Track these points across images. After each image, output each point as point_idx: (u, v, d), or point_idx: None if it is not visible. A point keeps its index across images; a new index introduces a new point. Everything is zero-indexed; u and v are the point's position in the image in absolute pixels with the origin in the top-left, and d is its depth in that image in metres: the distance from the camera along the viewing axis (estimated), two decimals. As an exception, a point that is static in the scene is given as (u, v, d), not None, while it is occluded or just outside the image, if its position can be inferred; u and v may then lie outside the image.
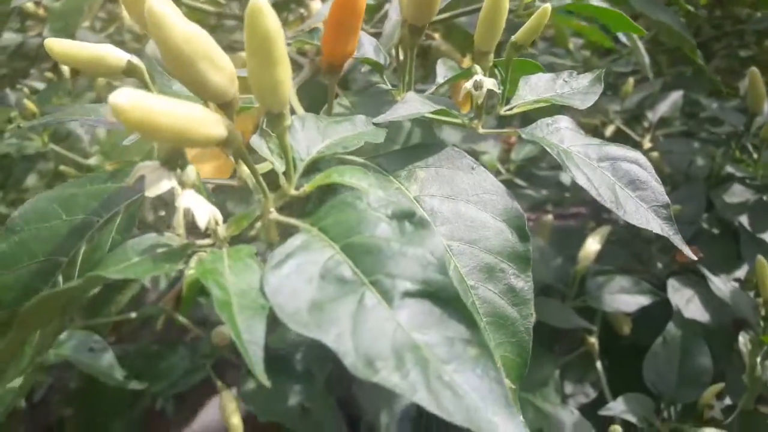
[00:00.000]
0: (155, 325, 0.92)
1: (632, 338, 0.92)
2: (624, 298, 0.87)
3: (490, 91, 0.46)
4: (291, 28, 1.11)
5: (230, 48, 1.46)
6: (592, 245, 0.89)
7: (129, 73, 0.39)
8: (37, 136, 0.91)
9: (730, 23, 1.60)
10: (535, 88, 0.51)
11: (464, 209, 0.43)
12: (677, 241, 0.44)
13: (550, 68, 1.21)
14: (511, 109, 0.50)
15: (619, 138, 1.32)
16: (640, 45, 1.06)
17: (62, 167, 0.87)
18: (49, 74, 1.07)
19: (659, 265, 0.98)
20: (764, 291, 0.80)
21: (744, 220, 0.94)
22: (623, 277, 0.89)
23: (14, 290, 0.36)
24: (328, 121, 0.41)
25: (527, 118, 0.54)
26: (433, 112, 0.45)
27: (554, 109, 0.51)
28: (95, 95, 1.05)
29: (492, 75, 0.49)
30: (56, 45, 0.39)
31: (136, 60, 0.39)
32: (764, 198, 0.99)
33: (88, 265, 0.35)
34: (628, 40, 1.00)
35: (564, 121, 0.48)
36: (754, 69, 1.00)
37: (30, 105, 0.89)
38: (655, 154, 1.11)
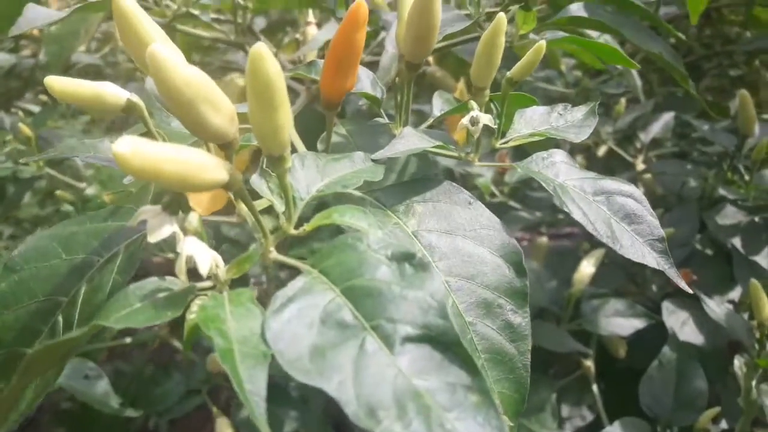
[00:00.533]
0: (149, 345, 0.91)
1: (628, 361, 0.92)
2: (619, 322, 0.87)
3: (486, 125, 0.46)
4: (286, 52, 1.12)
5: (223, 69, 1.47)
6: (587, 268, 0.89)
7: (128, 111, 0.39)
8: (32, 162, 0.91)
9: (719, 43, 1.62)
10: (530, 121, 0.51)
11: (462, 244, 0.44)
12: (672, 275, 0.45)
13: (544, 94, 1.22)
14: (506, 142, 0.50)
15: (611, 158, 1.33)
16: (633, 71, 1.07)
17: (58, 192, 0.87)
18: (43, 97, 1.07)
19: (654, 287, 0.98)
20: (758, 314, 0.80)
21: (737, 242, 0.95)
22: (618, 300, 0.89)
23: (14, 330, 0.36)
24: (327, 159, 0.41)
25: (521, 146, 0.54)
26: (430, 148, 0.45)
27: (550, 140, 0.52)
28: (89, 118, 1.05)
29: (488, 109, 0.50)
30: (56, 83, 0.39)
31: (135, 98, 0.40)
32: (756, 219, 1.00)
33: (88, 307, 0.35)
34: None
35: (559, 155, 0.49)
36: (744, 92, 1.02)
37: (25, 129, 0.89)
38: (648, 175, 1.12)
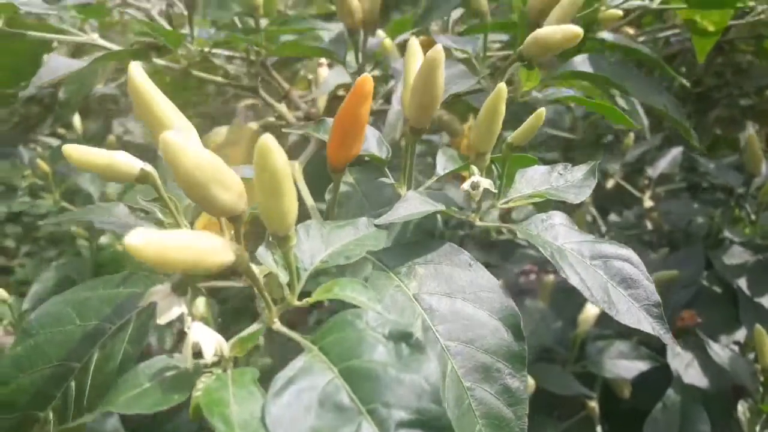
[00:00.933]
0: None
1: (632, 402, 0.93)
2: (624, 364, 0.88)
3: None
4: (298, 87, 1.15)
5: (236, 96, 1.49)
6: (592, 309, 0.90)
7: (142, 180, 0.41)
8: (48, 195, 0.94)
9: (731, 71, 1.63)
10: (531, 181, 0.53)
11: (461, 307, 0.45)
12: (668, 340, 0.46)
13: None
14: (507, 202, 0.52)
15: (619, 192, 1.34)
16: (639, 106, 1.08)
17: (73, 228, 0.89)
18: (62, 130, 1.10)
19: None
20: (763, 360, 0.80)
21: (743, 283, 0.95)
22: (622, 342, 0.90)
23: (29, 393, 0.37)
24: (331, 226, 0.43)
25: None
26: (432, 212, 0.47)
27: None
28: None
29: (490, 170, 0.51)
30: (74, 152, 0.41)
31: (148, 168, 0.41)
32: (761, 258, 1.00)
33: (100, 375, 0.36)
34: (626, 103, 1.02)
35: (558, 217, 0.50)
36: (752, 133, 1.03)
37: (42, 165, 0.92)
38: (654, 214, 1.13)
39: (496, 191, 0.49)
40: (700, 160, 1.13)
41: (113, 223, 0.44)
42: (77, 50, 0.93)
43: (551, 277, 1.03)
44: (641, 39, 1.17)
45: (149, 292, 0.32)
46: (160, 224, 0.44)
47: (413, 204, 0.47)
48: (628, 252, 0.48)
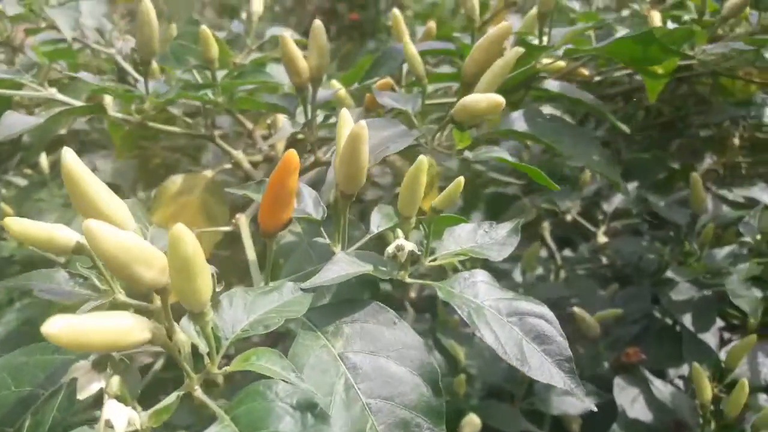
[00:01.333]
0: None
1: (581, 436, 0.96)
2: (570, 401, 0.91)
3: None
4: (260, 126, 1.18)
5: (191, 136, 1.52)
6: (540, 347, 0.93)
7: (77, 251, 0.44)
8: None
9: (693, 101, 1.67)
10: (458, 239, 0.56)
11: (385, 364, 0.48)
12: (579, 393, 0.48)
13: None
14: (434, 259, 0.55)
15: (576, 226, 1.38)
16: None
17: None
18: (28, 171, 1.12)
19: (605, 364, 1.02)
20: (701, 396, 0.84)
21: (687, 319, 0.99)
22: (569, 379, 0.92)
23: (-38, 458, 0.40)
24: (255, 294, 0.45)
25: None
26: (360, 274, 0.50)
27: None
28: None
29: (418, 229, 0.54)
30: (14, 225, 0.44)
31: (84, 240, 0.44)
32: (706, 293, 1.04)
33: (30, 441, 0.39)
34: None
35: (480, 275, 0.53)
36: (695, 175, 1.07)
37: (7, 209, 0.94)
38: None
39: (420, 253, 0.52)
40: (649, 197, 1.18)
41: (53, 291, 0.47)
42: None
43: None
44: (598, 78, 1.22)
45: (72, 368, 0.35)
46: (96, 290, 0.46)
47: (341, 266, 0.50)
48: (543, 309, 0.51)
